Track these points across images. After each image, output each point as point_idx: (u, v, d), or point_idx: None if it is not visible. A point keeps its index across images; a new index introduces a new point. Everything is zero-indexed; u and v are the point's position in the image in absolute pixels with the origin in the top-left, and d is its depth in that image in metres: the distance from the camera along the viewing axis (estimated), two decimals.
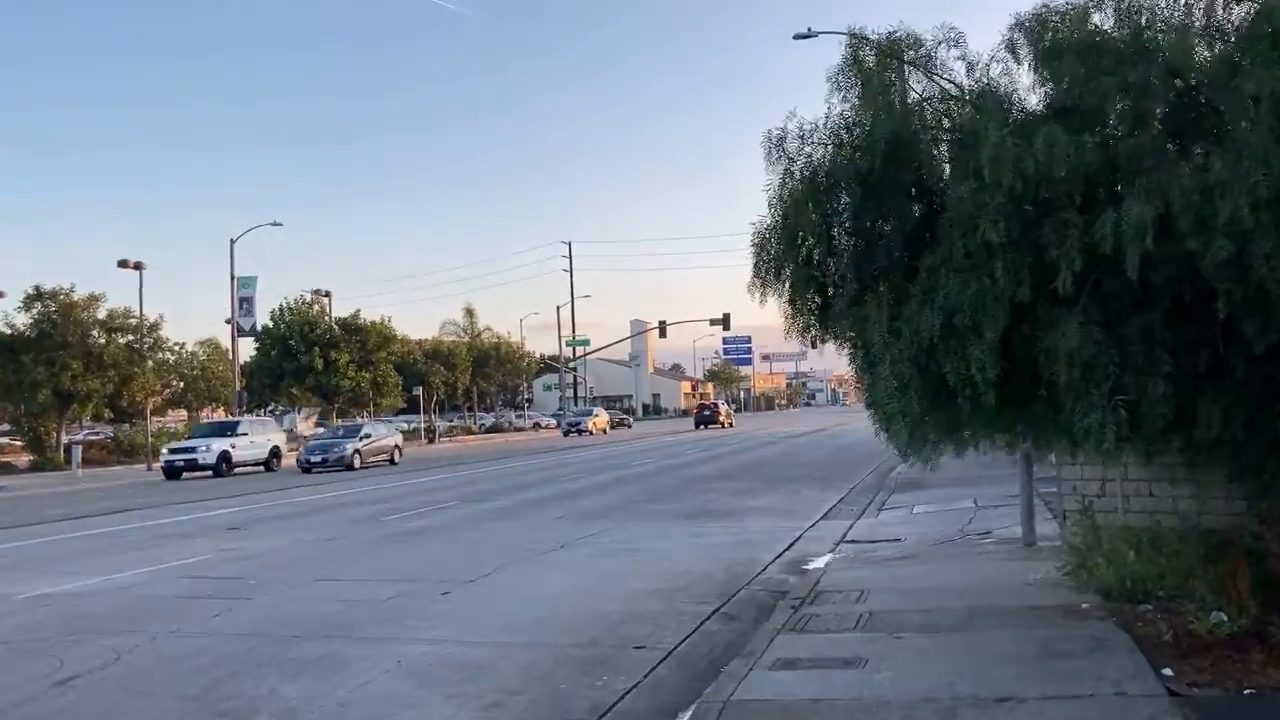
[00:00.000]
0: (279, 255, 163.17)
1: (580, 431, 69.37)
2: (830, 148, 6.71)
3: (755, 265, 7.03)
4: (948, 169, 6.89)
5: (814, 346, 7.32)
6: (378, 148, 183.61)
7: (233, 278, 46.96)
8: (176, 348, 75.81)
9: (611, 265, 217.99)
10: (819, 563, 11.82)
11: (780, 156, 6.75)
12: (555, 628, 8.79)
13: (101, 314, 40.85)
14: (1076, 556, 9.59)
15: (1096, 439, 5.70)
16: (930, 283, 6.22)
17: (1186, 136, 6.30)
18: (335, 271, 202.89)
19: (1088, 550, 9.43)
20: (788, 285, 6.93)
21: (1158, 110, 6.32)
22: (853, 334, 6.80)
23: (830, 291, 6.85)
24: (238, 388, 49.18)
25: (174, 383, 74.71)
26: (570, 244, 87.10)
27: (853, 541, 13.34)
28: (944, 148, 6.90)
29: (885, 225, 6.64)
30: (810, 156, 6.74)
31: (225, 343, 69.37)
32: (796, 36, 24.84)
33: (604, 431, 71.65)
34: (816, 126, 6.69)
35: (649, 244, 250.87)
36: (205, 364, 71.36)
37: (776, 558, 12.47)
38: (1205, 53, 6.26)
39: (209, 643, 8.61)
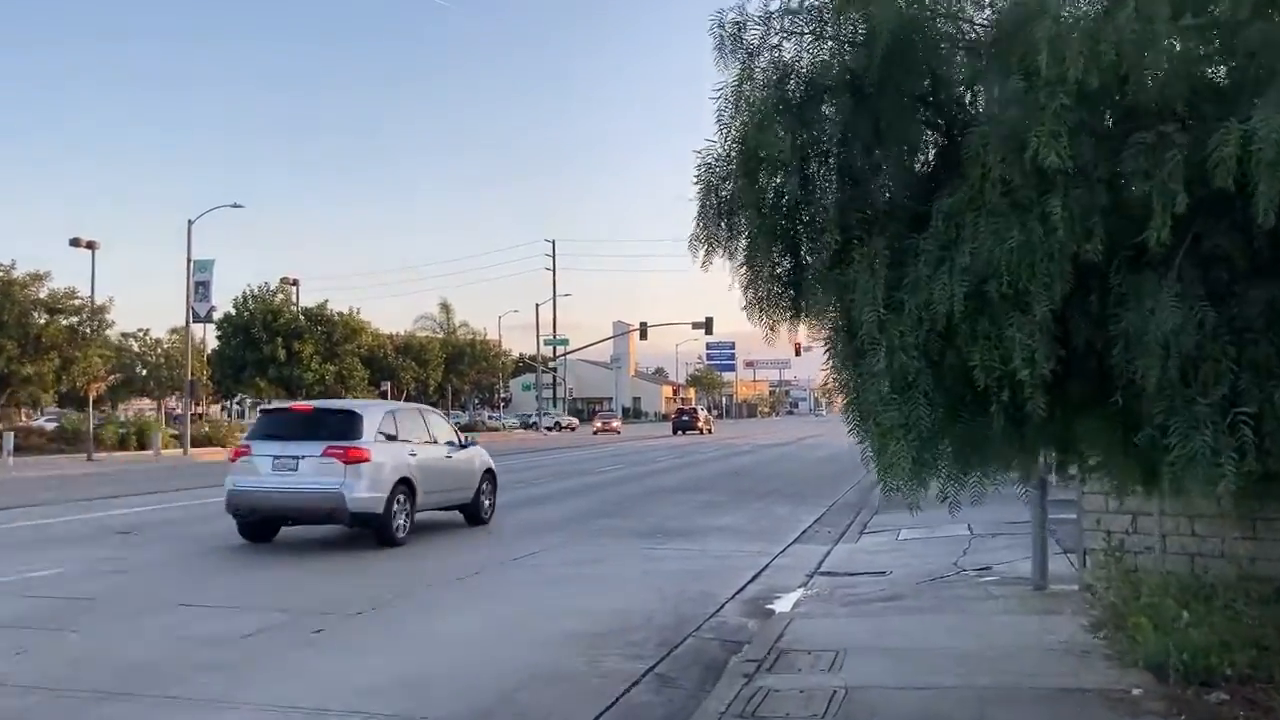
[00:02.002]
0: (255, 246, 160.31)
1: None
2: (808, 39, 4.69)
3: (700, 211, 5.01)
4: (968, 95, 4.90)
5: (786, 326, 5.25)
6: (363, 142, 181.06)
7: (189, 261, 44.60)
8: (140, 334, 73.53)
9: (595, 266, 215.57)
10: (786, 602, 9.81)
11: (737, 50, 4.72)
12: (437, 691, 6.73)
13: (43, 294, 38.40)
14: (1109, 612, 7.61)
15: (1206, 473, 3.69)
16: (949, 234, 4.21)
17: None
18: (315, 265, 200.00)
19: (1123, 604, 7.45)
20: (744, 239, 4.91)
21: None
22: (834, 310, 4.79)
23: (803, 248, 4.83)
24: (190, 377, 46.75)
25: (138, 370, 72.18)
26: (554, 242, 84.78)
27: (829, 574, 11.33)
28: (962, 56, 4.89)
29: (884, 152, 4.62)
30: (778, 51, 4.71)
31: (196, 330, 66.99)
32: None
33: None
34: (788, 5, 4.66)
35: (633, 244, 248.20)
36: (170, 352, 68.76)
37: (737, 593, 10.45)
38: None
39: None
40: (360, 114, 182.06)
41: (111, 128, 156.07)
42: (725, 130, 4.86)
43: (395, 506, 13.30)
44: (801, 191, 4.68)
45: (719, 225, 4.93)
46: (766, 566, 12.09)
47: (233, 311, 54.86)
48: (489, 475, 16.17)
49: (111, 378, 43.52)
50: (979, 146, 4.12)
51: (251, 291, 55.45)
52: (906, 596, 9.55)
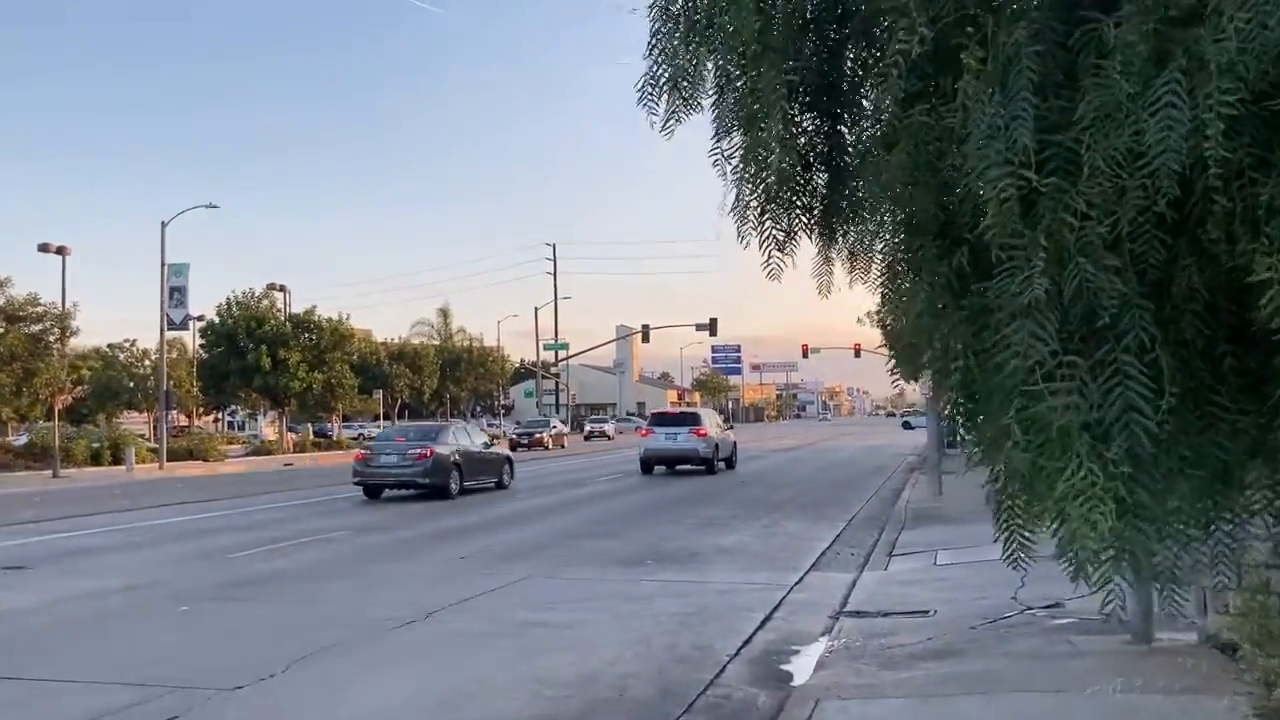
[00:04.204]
0: (252, 256, 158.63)
1: None
2: None
3: (656, 30, 2.70)
4: None
5: (813, 239, 2.92)
6: (359, 147, 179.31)
7: (163, 265, 42.36)
8: (127, 344, 71.24)
9: (597, 269, 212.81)
10: (807, 660, 7.52)
11: None
12: None
13: (0, 301, 35.98)
14: None
15: None
16: (1166, 29, 1.88)
17: None
18: (316, 274, 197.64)
19: None
20: (734, 79, 2.59)
21: None
22: (912, 194, 2.45)
23: (846, 82, 2.51)
24: (165, 387, 44.54)
25: (125, 382, 69.93)
26: (554, 245, 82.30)
27: (857, 614, 9.03)
28: None
29: None
30: None
31: (187, 341, 64.69)
32: None
33: None
34: None
35: (636, 246, 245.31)
36: (158, 363, 66.48)
37: (744, 645, 8.14)
38: None
39: None
40: (355, 118, 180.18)
41: (92, 133, 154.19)
42: None
43: (716, 457, 29.31)
44: None
45: (688, 53, 2.61)
46: (780, 604, 9.78)
47: (215, 319, 52.55)
48: (735, 445, 32.05)
49: (79, 389, 41.04)
50: None
51: (235, 298, 53.08)
52: (966, 652, 7.24)
